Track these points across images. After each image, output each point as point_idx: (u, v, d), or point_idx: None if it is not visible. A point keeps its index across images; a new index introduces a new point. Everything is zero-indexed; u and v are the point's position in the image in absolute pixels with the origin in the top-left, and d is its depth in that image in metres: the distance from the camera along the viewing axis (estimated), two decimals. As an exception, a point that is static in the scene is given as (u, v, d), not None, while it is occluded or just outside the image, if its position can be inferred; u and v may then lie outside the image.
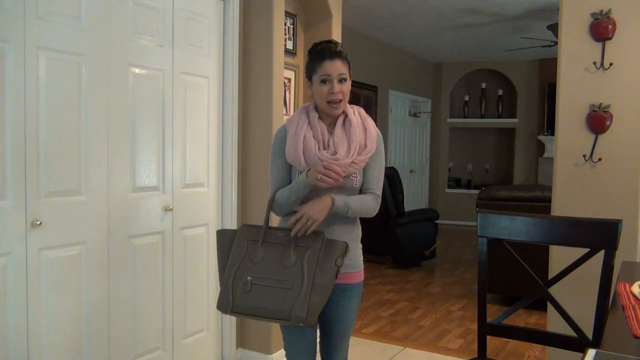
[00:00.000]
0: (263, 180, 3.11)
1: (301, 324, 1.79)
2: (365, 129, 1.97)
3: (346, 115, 1.97)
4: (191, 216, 2.94)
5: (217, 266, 1.97)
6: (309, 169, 1.85)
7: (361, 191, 2.00)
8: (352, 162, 1.91)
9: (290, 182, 1.97)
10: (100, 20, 2.39)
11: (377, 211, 2.01)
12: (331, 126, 1.97)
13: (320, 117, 1.97)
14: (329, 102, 1.91)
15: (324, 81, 1.90)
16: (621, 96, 2.56)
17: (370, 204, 1.97)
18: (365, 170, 1.99)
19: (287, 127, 1.98)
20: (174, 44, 2.77)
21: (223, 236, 1.94)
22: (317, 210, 1.83)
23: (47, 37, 2.18)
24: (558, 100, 2.70)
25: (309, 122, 1.95)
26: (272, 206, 1.97)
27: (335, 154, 1.90)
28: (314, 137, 1.92)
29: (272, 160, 2.01)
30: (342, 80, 1.91)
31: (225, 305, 1.84)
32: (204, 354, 3.08)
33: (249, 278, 1.82)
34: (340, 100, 1.91)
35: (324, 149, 1.93)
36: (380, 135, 2.03)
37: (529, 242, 2.00)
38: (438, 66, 9.35)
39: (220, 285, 1.90)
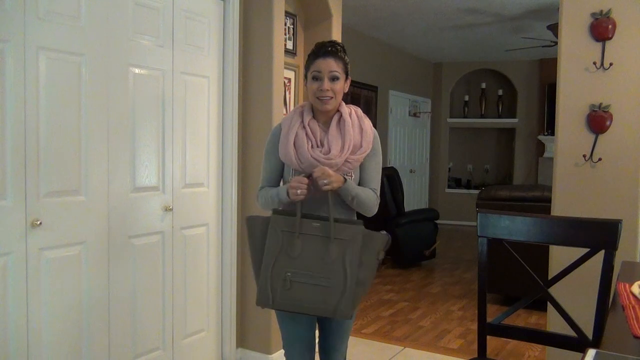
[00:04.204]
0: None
1: (346, 319, 1.85)
2: (361, 129, 1.97)
3: (341, 115, 1.97)
4: (191, 216, 2.94)
5: (249, 260, 1.91)
6: (288, 185, 1.86)
7: None
8: (346, 160, 1.91)
9: (280, 178, 2.02)
10: (100, 20, 2.39)
11: (376, 210, 2.01)
12: (326, 125, 1.98)
13: (314, 117, 1.98)
14: (318, 98, 1.91)
15: (315, 78, 1.92)
16: (621, 96, 2.56)
17: (373, 201, 1.99)
18: (363, 170, 2.00)
19: (282, 125, 2.00)
20: (174, 44, 2.77)
21: (254, 224, 1.88)
22: (334, 177, 1.84)
23: (47, 37, 2.18)
24: (558, 100, 2.70)
25: (302, 121, 1.96)
26: (257, 197, 2.03)
27: (329, 152, 1.90)
28: (306, 135, 1.93)
29: (265, 156, 2.03)
30: (334, 79, 1.91)
31: (265, 301, 1.82)
32: (204, 354, 3.08)
33: (288, 274, 1.79)
34: (331, 98, 1.91)
35: (318, 147, 1.93)
36: (377, 135, 2.04)
37: (529, 242, 2.00)
38: (438, 66, 9.34)
39: (256, 279, 1.87)
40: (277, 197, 1.91)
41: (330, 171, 1.84)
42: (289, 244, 1.81)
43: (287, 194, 1.86)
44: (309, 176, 1.85)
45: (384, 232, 1.85)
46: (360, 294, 1.80)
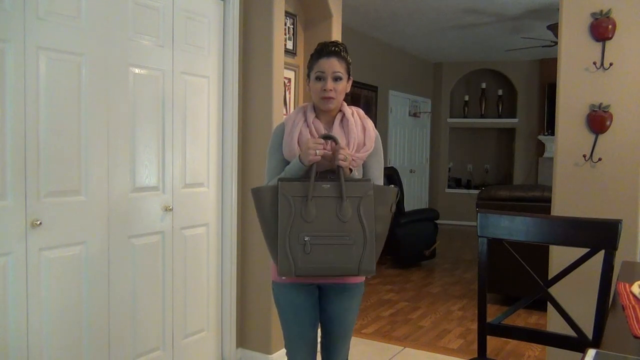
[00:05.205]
0: (263, 180, 3.10)
1: (368, 276, 1.86)
2: (364, 128, 1.99)
3: (344, 115, 1.99)
4: (191, 216, 2.94)
5: (261, 233, 1.89)
6: (300, 154, 1.86)
7: None
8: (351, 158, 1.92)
9: None
10: (100, 20, 2.39)
11: None
12: (329, 125, 1.98)
13: (317, 117, 1.99)
14: (322, 99, 1.92)
15: (318, 78, 1.93)
16: (621, 96, 2.56)
17: None
18: (368, 170, 2.02)
19: (285, 123, 2.00)
20: (174, 44, 2.77)
21: (261, 195, 1.84)
22: (349, 161, 1.87)
23: (47, 37, 2.18)
24: (558, 100, 2.70)
25: (305, 120, 1.97)
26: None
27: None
28: (310, 133, 1.94)
29: (269, 154, 2.03)
30: (337, 79, 1.92)
31: (287, 270, 1.79)
32: (204, 354, 3.08)
33: (306, 238, 1.78)
34: (334, 98, 1.92)
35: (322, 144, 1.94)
36: (379, 136, 2.05)
37: (529, 242, 2.00)
38: (438, 66, 9.34)
39: (271, 252, 1.85)
40: (289, 171, 1.89)
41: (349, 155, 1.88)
42: (302, 209, 1.79)
43: (300, 160, 1.85)
44: (325, 137, 1.86)
45: (392, 185, 1.87)
46: (379, 250, 1.84)
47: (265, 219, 1.84)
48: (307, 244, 1.78)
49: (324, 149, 1.84)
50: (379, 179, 2.04)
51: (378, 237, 1.84)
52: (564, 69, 2.67)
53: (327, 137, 1.88)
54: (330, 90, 1.91)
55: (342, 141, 1.93)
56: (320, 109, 1.96)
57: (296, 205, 1.79)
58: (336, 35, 3.53)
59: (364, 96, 7.12)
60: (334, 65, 1.91)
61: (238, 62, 3.13)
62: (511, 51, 7.75)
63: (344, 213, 1.80)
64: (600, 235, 1.85)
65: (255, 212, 1.88)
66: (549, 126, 8.38)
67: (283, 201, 1.80)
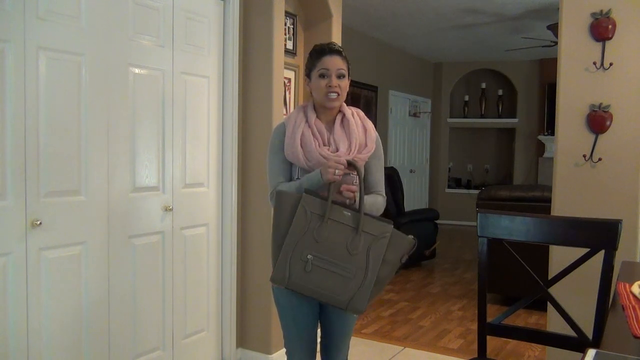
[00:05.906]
0: (263, 180, 3.11)
1: (355, 315, 1.83)
2: (365, 129, 2.00)
3: (344, 115, 1.99)
4: (191, 216, 2.94)
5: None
6: (321, 168, 1.84)
7: (367, 192, 2.01)
8: (353, 159, 1.92)
9: (290, 178, 1.97)
10: (100, 20, 2.39)
11: (383, 210, 2.03)
12: (329, 125, 1.99)
13: (318, 117, 1.98)
14: (326, 94, 1.92)
15: (322, 75, 1.94)
16: (621, 96, 2.56)
17: (380, 204, 2.01)
18: (369, 173, 2.02)
19: (286, 124, 1.99)
20: (174, 44, 2.77)
21: (284, 200, 1.81)
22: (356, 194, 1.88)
23: (47, 37, 2.18)
24: (558, 100, 2.70)
25: (306, 121, 1.96)
26: (272, 197, 1.95)
27: (337, 151, 1.92)
28: (312, 134, 1.93)
29: (272, 155, 2.00)
30: (340, 76, 1.94)
31: (280, 280, 1.78)
32: (204, 354, 3.08)
33: (309, 257, 1.75)
34: (338, 94, 1.93)
35: (325, 145, 1.94)
36: (379, 137, 2.06)
37: (529, 242, 2.00)
38: (438, 66, 9.35)
39: (273, 256, 1.84)
40: (306, 183, 1.86)
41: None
42: (316, 227, 1.77)
43: (321, 175, 1.83)
44: (349, 164, 1.84)
45: (412, 236, 1.83)
46: (375, 292, 1.80)
47: (280, 223, 1.81)
48: (309, 262, 1.75)
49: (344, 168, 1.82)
50: (380, 182, 2.04)
51: (379, 281, 1.79)
52: (564, 69, 2.67)
53: (350, 164, 1.85)
54: (336, 86, 1.92)
55: (344, 142, 1.93)
56: (325, 106, 1.96)
57: (312, 221, 1.77)
58: (336, 35, 3.53)
59: (364, 96, 7.12)
60: (337, 62, 1.93)
61: (238, 62, 3.13)
62: (511, 51, 7.76)
63: (354, 246, 1.77)
64: (600, 235, 1.85)
65: (272, 212, 1.85)
66: (549, 126, 8.38)
67: (301, 213, 1.77)
